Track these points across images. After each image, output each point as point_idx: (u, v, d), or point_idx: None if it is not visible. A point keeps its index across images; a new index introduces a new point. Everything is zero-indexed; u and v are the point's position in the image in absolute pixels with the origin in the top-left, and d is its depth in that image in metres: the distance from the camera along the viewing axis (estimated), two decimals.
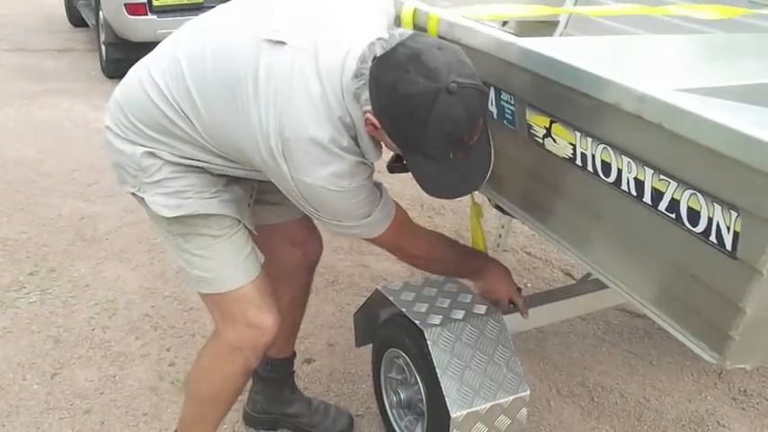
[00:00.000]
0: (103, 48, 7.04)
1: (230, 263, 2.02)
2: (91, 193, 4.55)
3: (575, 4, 3.58)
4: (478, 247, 2.47)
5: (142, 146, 1.89)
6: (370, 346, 2.60)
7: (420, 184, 1.74)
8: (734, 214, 1.36)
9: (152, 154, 1.89)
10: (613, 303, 3.01)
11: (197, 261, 2.00)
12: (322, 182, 1.73)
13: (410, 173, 1.78)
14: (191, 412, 2.24)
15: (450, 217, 4.30)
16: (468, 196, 2.39)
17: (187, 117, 1.82)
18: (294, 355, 2.61)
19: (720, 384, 3.03)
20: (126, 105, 1.91)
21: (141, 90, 1.88)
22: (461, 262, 2.26)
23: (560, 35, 3.53)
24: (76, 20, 8.88)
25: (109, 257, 3.79)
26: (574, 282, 3.23)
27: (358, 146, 1.76)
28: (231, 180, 1.99)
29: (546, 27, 3.59)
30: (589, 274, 2.67)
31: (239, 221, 2.02)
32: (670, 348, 3.17)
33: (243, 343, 2.05)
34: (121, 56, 6.50)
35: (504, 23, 3.77)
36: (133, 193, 1.97)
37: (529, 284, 3.67)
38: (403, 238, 2.04)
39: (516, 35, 3.65)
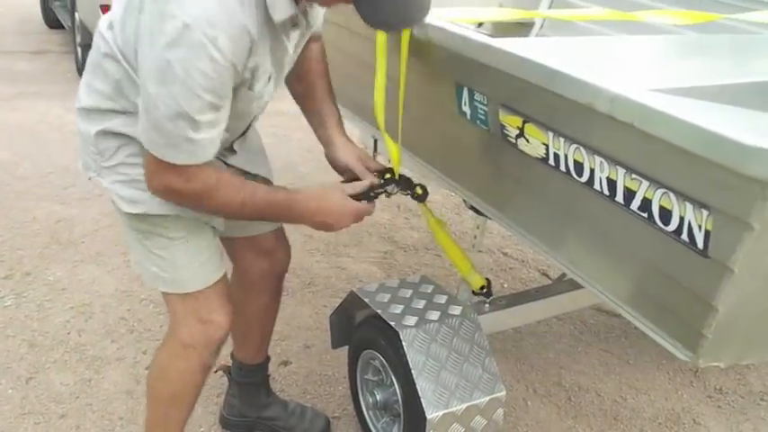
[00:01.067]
0: (79, 49, 6.99)
1: (187, 267, 2.01)
2: (66, 195, 4.51)
3: (549, 8, 3.59)
4: (457, 260, 2.44)
5: (97, 121, 1.87)
6: (347, 347, 2.59)
7: (361, 13, 1.60)
8: (705, 213, 1.37)
9: (106, 132, 1.86)
10: (589, 303, 3.03)
11: (155, 259, 1.99)
12: (185, 17, 1.53)
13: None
14: (154, 414, 2.23)
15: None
16: (427, 214, 2.33)
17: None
18: (268, 359, 2.60)
19: (696, 382, 3.05)
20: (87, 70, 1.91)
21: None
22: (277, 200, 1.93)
23: (536, 36, 3.55)
24: (52, 21, 8.82)
25: (85, 260, 3.76)
26: (550, 282, 3.24)
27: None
28: None
29: (521, 29, 3.61)
30: (565, 274, 2.68)
31: (203, 223, 2.00)
32: (646, 347, 3.19)
33: (195, 340, 2.06)
34: None
35: (480, 25, 3.79)
36: (93, 179, 1.96)
37: (506, 285, 3.68)
38: (186, 178, 1.75)
39: (490, 36, 3.69)
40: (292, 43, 1.85)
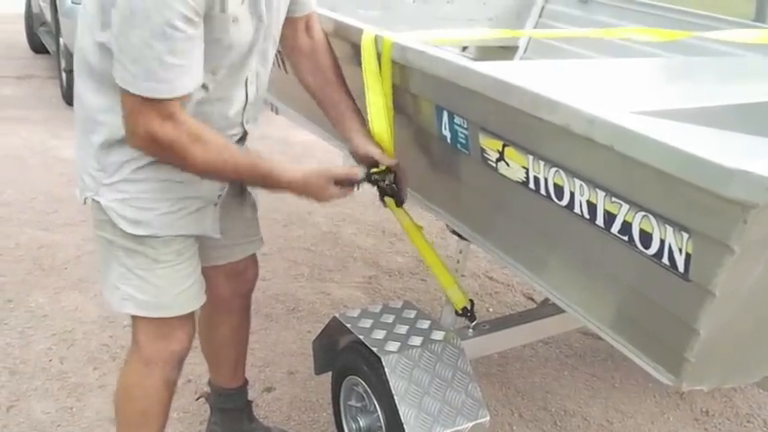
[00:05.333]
0: (64, 75, 6.98)
1: (168, 292, 1.99)
2: (50, 221, 4.48)
3: (534, 28, 3.63)
4: (437, 270, 2.42)
5: (98, 130, 1.85)
6: (331, 373, 2.57)
7: None
8: (685, 236, 1.37)
9: (111, 143, 1.83)
10: (575, 326, 3.01)
11: (134, 279, 1.96)
12: None
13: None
14: None
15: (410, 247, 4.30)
16: (403, 217, 2.31)
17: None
18: (246, 383, 2.57)
19: (683, 405, 3.04)
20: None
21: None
22: (257, 164, 1.91)
23: (519, 60, 3.58)
24: (37, 46, 8.80)
25: (67, 287, 3.73)
26: (535, 305, 3.23)
27: None
28: (197, 180, 1.91)
29: (505, 53, 3.63)
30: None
31: (190, 247, 1.99)
32: (632, 370, 3.18)
33: (156, 354, 2.06)
34: None
35: (464, 49, 3.82)
36: (88, 201, 1.94)
37: (491, 309, 3.66)
38: (162, 118, 1.70)
39: (475, 60, 3.72)
40: None
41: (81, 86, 1.88)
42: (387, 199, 2.17)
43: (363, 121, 2.15)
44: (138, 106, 1.68)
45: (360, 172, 2.05)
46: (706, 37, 2.64)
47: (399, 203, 2.18)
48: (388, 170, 2.09)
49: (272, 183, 1.91)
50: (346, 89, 2.19)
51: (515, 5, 3.69)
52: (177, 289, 2.00)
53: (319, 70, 2.17)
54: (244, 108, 1.99)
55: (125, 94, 1.68)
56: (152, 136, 1.70)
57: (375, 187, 2.11)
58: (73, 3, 6.57)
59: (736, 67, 2.50)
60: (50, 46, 7.77)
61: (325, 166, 2.02)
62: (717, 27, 2.82)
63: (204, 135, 1.76)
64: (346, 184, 2.01)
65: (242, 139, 2.06)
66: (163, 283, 1.98)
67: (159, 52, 1.61)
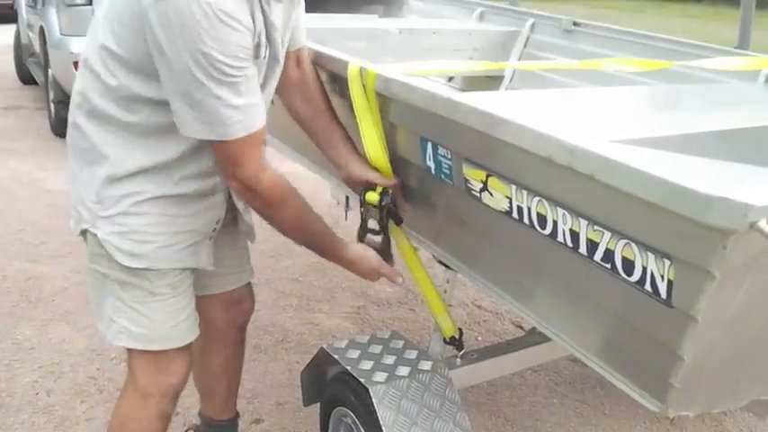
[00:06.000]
0: (52, 106, 7.00)
1: (163, 324, 2.00)
2: (37, 253, 4.47)
3: (519, 59, 3.65)
4: (430, 296, 2.42)
5: (102, 163, 1.86)
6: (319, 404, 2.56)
7: None
8: (667, 263, 1.38)
9: (112, 179, 1.86)
10: (564, 354, 3.01)
11: (129, 312, 1.97)
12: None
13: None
14: None
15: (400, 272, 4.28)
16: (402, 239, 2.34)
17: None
18: (237, 415, 2.56)
19: (673, 430, 3.03)
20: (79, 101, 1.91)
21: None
22: (325, 237, 2.09)
23: (505, 90, 3.60)
24: (26, 77, 8.84)
25: (55, 319, 3.71)
26: (524, 333, 3.23)
27: None
28: (194, 215, 1.96)
29: (491, 82, 3.66)
30: None
31: (185, 280, 2.00)
32: (622, 397, 3.16)
33: (153, 387, 2.06)
34: None
35: (450, 80, 3.84)
36: (83, 233, 1.94)
37: (480, 338, 3.66)
38: (259, 160, 1.85)
39: (461, 90, 3.74)
40: (278, 18, 1.88)
41: (81, 121, 1.89)
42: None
43: (355, 146, 2.18)
44: (226, 154, 1.81)
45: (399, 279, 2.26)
46: (690, 65, 2.67)
47: (398, 222, 2.20)
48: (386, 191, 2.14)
49: (329, 256, 2.13)
50: (336, 117, 2.22)
51: (501, 36, 3.71)
52: (172, 322, 2.01)
53: (309, 100, 2.21)
54: None
55: (215, 145, 1.78)
56: (251, 186, 1.86)
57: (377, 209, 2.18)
58: (62, 34, 6.61)
59: (719, 94, 2.53)
60: (39, 77, 7.80)
61: (376, 257, 2.20)
62: (701, 55, 2.85)
63: (293, 198, 1.95)
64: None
65: None
66: (158, 316, 1.98)
67: (226, 98, 1.69)
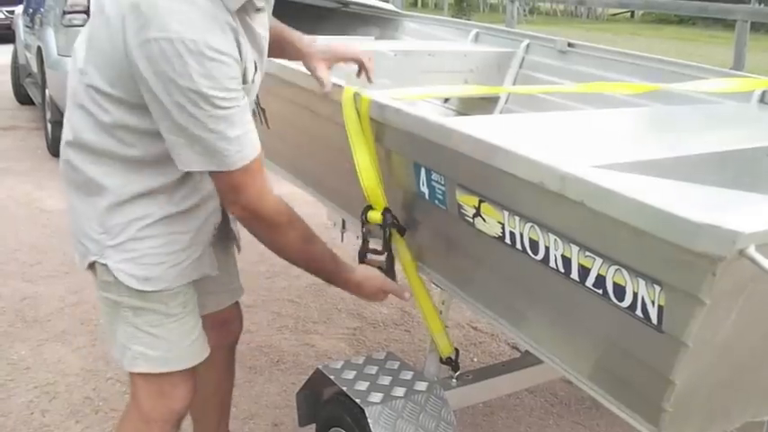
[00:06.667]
0: (49, 126, 7.01)
1: (178, 345, 2.00)
2: (33, 273, 4.47)
3: (513, 83, 3.67)
4: (428, 314, 2.40)
5: (102, 194, 1.86)
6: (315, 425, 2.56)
7: None
8: (657, 288, 1.39)
9: (114, 207, 1.86)
10: (559, 375, 3.01)
11: (143, 337, 1.96)
12: (170, 34, 1.62)
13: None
14: None
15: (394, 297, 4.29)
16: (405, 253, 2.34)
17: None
18: None
19: None
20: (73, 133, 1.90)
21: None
22: (330, 262, 2.08)
23: (500, 110, 3.61)
24: (23, 97, 8.86)
25: (50, 339, 3.71)
26: (519, 354, 3.24)
27: None
28: (197, 228, 1.97)
29: (487, 103, 3.67)
30: None
31: (192, 297, 2.01)
32: (617, 418, 3.12)
33: (156, 413, 2.04)
34: None
35: (446, 101, 3.86)
36: (92, 265, 1.93)
37: (476, 359, 3.66)
38: (261, 186, 1.85)
39: (457, 111, 3.76)
40: (263, 26, 1.91)
41: (73, 157, 1.90)
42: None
43: (301, 35, 2.26)
44: (225, 182, 1.81)
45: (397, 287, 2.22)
46: (684, 86, 2.69)
47: (402, 232, 2.22)
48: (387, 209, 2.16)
49: (334, 280, 2.12)
50: (280, 25, 2.25)
51: (496, 57, 3.73)
52: (187, 341, 2.01)
53: None
54: None
55: (214, 174, 1.80)
56: (253, 213, 1.86)
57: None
58: (59, 55, 6.64)
59: (713, 115, 2.55)
60: (36, 97, 7.82)
61: (381, 277, 2.19)
62: (695, 75, 2.87)
63: (296, 222, 1.95)
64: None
65: None
66: (173, 337, 1.98)
67: (221, 132, 1.70)
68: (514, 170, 1.59)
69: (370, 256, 2.24)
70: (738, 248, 1.23)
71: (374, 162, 2.11)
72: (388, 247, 2.21)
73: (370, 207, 2.17)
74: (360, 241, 2.28)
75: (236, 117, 1.72)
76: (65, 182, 1.96)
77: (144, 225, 1.88)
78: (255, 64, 1.88)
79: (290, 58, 2.29)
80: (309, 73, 2.25)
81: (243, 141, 1.75)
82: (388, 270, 2.21)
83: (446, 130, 1.79)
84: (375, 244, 2.23)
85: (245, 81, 1.81)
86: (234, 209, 1.90)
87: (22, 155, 7.06)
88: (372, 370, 2.36)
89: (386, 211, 2.15)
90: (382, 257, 2.21)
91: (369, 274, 2.17)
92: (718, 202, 1.51)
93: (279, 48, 2.22)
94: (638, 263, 1.42)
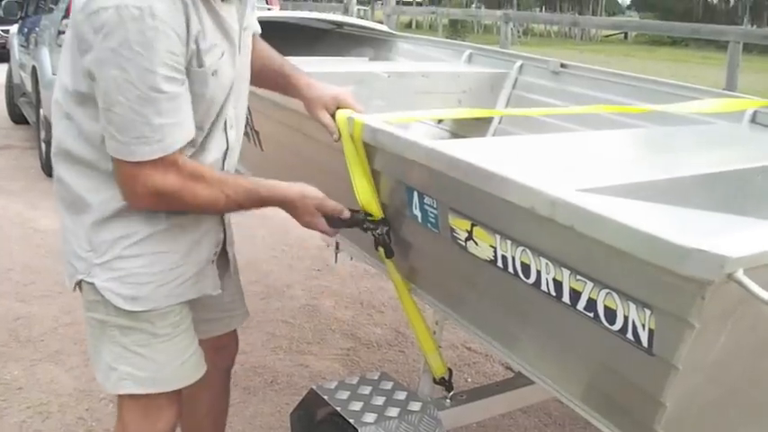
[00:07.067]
0: (43, 145, 7.03)
1: (168, 365, 1.99)
2: (26, 293, 4.47)
3: (507, 103, 3.69)
4: (421, 334, 2.40)
5: (87, 210, 1.86)
6: None
7: None
8: (647, 312, 1.41)
9: (104, 220, 1.85)
10: (552, 395, 3.02)
11: (131, 357, 1.95)
12: (116, 1, 1.60)
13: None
14: None
15: (390, 314, 4.33)
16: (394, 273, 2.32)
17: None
18: None
19: None
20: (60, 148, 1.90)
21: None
22: (257, 188, 1.96)
23: (494, 131, 3.63)
24: (18, 117, 8.88)
25: (43, 359, 3.71)
26: (513, 374, 3.24)
27: None
28: (190, 247, 1.95)
29: (481, 124, 3.69)
30: None
31: (185, 318, 2.00)
32: None
33: None
34: None
35: (440, 121, 3.88)
36: (79, 284, 1.93)
37: (470, 379, 3.67)
38: (162, 179, 1.76)
39: (451, 132, 3.78)
40: (232, 16, 1.87)
41: (62, 171, 1.90)
42: (380, 249, 2.20)
43: (304, 75, 2.22)
44: (135, 171, 1.73)
45: (345, 212, 2.08)
46: (676, 107, 2.71)
47: (390, 254, 2.21)
48: (383, 221, 2.14)
49: (269, 204, 1.98)
50: (280, 58, 2.23)
51: (489, 78, 3.75)
52: (177, 362, 1.99)
53: (257, 57, 2.16)
54: (225, 154, 2.00)
55: (120, 162, 1.74)
56: (157, 191, 1.77)
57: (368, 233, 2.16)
58: (54, 75, 6.65)
59: (705, 136, 2.57)
60: (30, 117, 7.83)
61: (320, 194, 2.04)
62: (687, 96, 2.89)
63: (204, 173, 1.83)
64: (334, 221, 2.06)
65: None
66: (163, 358, 1.97)
67: (147, 116, 1.67)
68: (506, 195, 1.60)
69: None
70: (727, 272, 1.25)
71: (371, 185, 2.12)
72: (352, 222, 2.12)
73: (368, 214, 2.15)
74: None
75: (165, 104, 1.68)
76: (57, 201, 1.96)
77: (130, 243, 1.87)
78: (223, 53, 1.83)
79: (288, 95, 2.27)
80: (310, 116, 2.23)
81: (165, 131, 1.70)
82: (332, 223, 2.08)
83: (437, 155, 1.80)
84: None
85: (200, 64, 1.77)
86: (133, 200, 1.81)
87: (16, 174, 7.06)
88: (366, 390, 2.36)
89: (383, 221, 2.14)
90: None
91: (307, 192, 2.01)
92: (708, 226, 1.53)
93: (278, 84, 2.24)
94: (629, 287, 1.43)
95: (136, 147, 1.69)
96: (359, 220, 2.12)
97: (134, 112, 1.66)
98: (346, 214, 2.07)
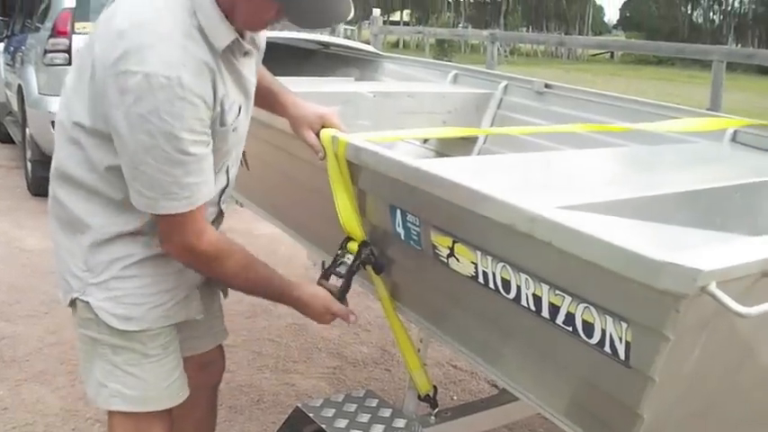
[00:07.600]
0: (29, 165, 7.01)
1: (155, 386, 2.00)
2: (12, 312, 4.46)
3: (492, 123, 3.73)
4: (406, 351, 2.42)
5: (86, 232, 1.88)
6: None
7: (290, 18, 1.75)
8: (624, 325, 1.43)
9: (96, 245, 1.88)
10: (536, 411, 3.04)
11: (121, 375, 1.97)
12: (146, 68, 1.64)
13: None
14: None
15: (376, 333, 4.34)
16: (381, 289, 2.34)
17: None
18: None
19: None
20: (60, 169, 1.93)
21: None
22: (273, 281, 2.07)
23: (479, 150, 3.67)
24: (3, 136, 8.88)
25: (29, 379, 3.69)
26: (498, 391, 3.26)
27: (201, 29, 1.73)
28: (182, 269, 1.97)
29: (466, 143, 3.72)
30: None
31: (174, 340, 2.02)
32: None
33: None
34: (48, 174, 6.38)
35: (426, 141, 3.92)
36: (73, 302, 1.94)
37: (455, 397, 3.68)
38: (200, 226, 1.85)
39: (436, 151, 3.82)
40: (251, 70, 1.93)
41: (60, 192, 1.93)
42: (367, 268, 2.22)
43: (291, 94, 2.27)
44: (166, 223, 1.81)
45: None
46: (658, 126, 2.76)
47: (378, 271, 2.23)
48: (364, 243, 2.17)
49: (281, 298, 2.09)
50: (269, 77, 2.27)
51: (474, 98, 3.79)
52: (165, 383, 2.01)
53: None
54: (223, 190, 2.05)
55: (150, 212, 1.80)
56: (189, 250, 1.85)
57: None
58: (40, 93, 6.66)
59: (687, 154, 2.61)
60: (16, 136, 7.83)
61: (329, 297, 2.16)
62: (669, 115, 2.93)
63: (233, 251, 1.93)
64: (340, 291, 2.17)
65: (218, 217, 2.11)
66: (150, 378, 1.98)
67: (176, 176, 1.72)
68: (486, 212, 1.63)
69: (333, 279, 2.22)
70: (700, 285, 1.28)
71: (353, 203, 2.15)
72: (349, 275, 2.20)
73: (350, 238, 2.19)
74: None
75: (193, 165, 1.74)
76: (52, 219, 1.98)
77: (127, 264, 1.90)
78: (240, 108, 1.90)
79: (275, 113, 2.30)
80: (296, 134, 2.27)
81: (193, 189, 1.77)
82: (340, 297, 2.18)
83: (420, 173, 1.83)
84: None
85: (222, 123, 1.83)
86: (167, 248, 1.88)
87: (2, 194, 7.04)
88: (352, 408, 2.37)
89: (363, 244, 2.17)
90: (338, 284, 2.20)
91: (315, 293, 2.14)
92: (683, 241, 1.56)
93: (266, 101, 2.26)
94: (606, 301, 1.46)
95: (165, 202, 1.75)
96: (350, 269, 2.19)
97: (162, 173, 1.71)
98: (352, 319, 2.21)
